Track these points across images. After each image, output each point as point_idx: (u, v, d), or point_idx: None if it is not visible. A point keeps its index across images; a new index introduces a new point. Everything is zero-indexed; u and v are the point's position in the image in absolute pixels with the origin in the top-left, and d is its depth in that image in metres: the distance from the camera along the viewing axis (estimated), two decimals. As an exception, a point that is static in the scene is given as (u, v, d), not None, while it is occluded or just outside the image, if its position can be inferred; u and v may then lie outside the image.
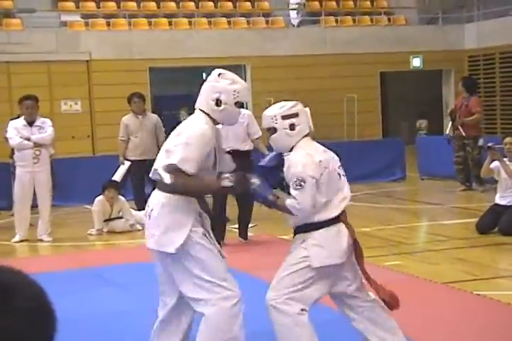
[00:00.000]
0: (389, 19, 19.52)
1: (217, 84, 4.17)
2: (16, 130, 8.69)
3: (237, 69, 18.42)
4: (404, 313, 5.38)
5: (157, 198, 4.06)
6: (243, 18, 18.44)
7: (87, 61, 16.53)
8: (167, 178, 3.93)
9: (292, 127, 4.10)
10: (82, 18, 17.55)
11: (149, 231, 4.07)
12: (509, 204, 8.24)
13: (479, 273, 6.57)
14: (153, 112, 11.21)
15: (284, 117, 4.11)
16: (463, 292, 5.86)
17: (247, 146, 8.24)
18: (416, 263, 7.05)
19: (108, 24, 17.35)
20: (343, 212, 4.11)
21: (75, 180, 11.37)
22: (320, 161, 4.03)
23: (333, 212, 4.04)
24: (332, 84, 17.97)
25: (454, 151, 11.90)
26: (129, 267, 7.00)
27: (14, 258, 8.24)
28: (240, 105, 4.24)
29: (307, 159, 4.01)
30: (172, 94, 18.72)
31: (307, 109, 4.30)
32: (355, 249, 4.13)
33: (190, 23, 17.87)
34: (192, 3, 18.62)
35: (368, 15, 19.50)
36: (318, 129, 21.05)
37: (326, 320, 4.75)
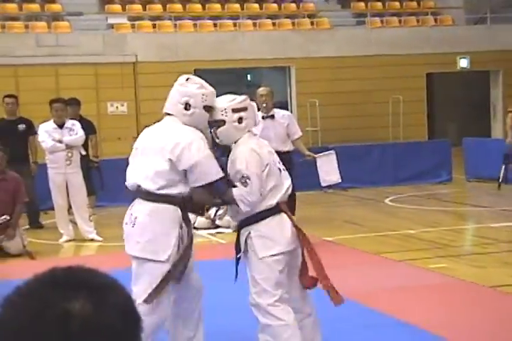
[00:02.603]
0: (435, 19, 19.31)
1: (186, 89, 4.21)
2: (47, 133, 8.83)
3: (282, 70, 18.42)
4: (450, 316, 5.32)
5: (143, 206, 4.13)
6: (288, 20, 18.42)
7: (134, 63, 16.69)
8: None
9: (240, 121, 4.14)
10: (128, 20, 17.72)
11: (132, 237, 4.16)
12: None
13: (527, 277, 6.46)
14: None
15: (235, 110, 4.15)
16: (510, 296, 5.77)
17: (287, 147, 8.24)
18: (462, 266, 6.97)
19: (154, 26, 17.50)
20: (284, 203, 4.19)
21: (121, 180, 11.43)
22: (262, 157, 4.10)
23: (270, 203, 4.10)
24: (377, 86, 17.84)
25: None
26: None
27: (62, 257, 8.36)
28: (209, 109, 4.22)
29: (250, 155, 4.06)
30: (217, 96, 18.76)
31: (254, 103, 4.31)
32: (301, 238, 4.15)
33: (235, 24, 17.92)
34: (237, 5, 18.67)
35: (414, 16, 19.32)
36: (363, 130, 20.82)
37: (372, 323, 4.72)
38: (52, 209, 9.34)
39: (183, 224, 4.13)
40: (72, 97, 10.49)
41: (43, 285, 1.15)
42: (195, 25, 17.72)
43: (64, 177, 8.89)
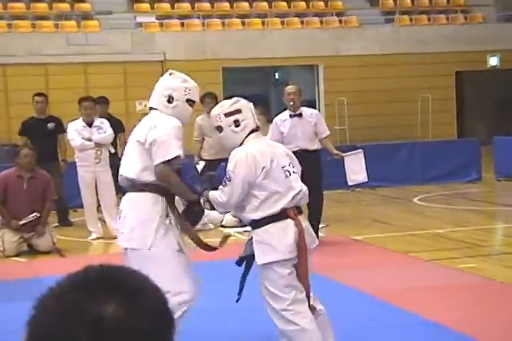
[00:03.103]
0: (465, 17, 19.15)
1: (169, 82, 4.35)
2: (76, 131, 8.89)
3: (310, 69, 18.39)
4: (479, 316, 5.28)
5: (125, 200, 4.26)
6: (316, 18, 18.39)
7: (162, 61, 16.76)
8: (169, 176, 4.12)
9: (237, 123, 4.16)
10: (156, 19, 17.80)
11: (119, 230, 4.28)
12: None
13: (558, 277, 6.38)
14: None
15: (227, 115, 4.17)
16: (541, 296, 5.71)
17: (315, 145, 8.21)
18: (492, 265, 6.90)
19: (182, 25, 17.56)
20: (296, 209, 4.09)
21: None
22: (257, 160, 4.04)
23: (272, 209, 4.03)
24: (406, 84, 17.75)
25: None
26: (199, 265, 7.05)
27: (90, 255, 8.42)
28: (192, 103, 4.34)
29: (242, 158, 4.05)
30: (245, 94, 18.79)
31: (251, 104, 4.29)
32: (300, 248, 4.02)
33: (263, 23, 17.92)
34: (265, 3, 18.67)
35: (443, 14, 19.19)
36: (392, 129, 20.63)
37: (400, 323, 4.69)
38: (81, 207, 9.40)
39: (169, 213, 4.17)
40: (100, 96, 10.56)
41: (75, 288, 1.15)
42: (223, 23, 17.74)
43: (93, 175, 8.94)
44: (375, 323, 5.13)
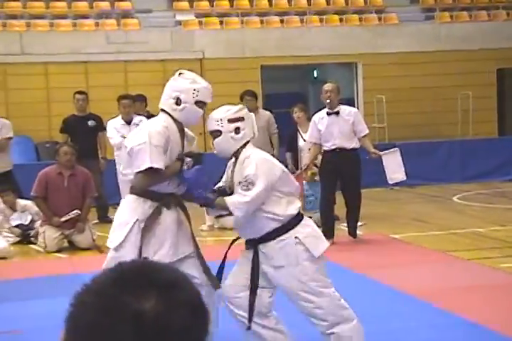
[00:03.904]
0: (507, 14, 18.89)
1: (177, 84, 4.27)
2: (115, 129, 8.96)
3: (349, 66, 18.30)
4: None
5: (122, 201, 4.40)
6: (355, 15, 18.29)
7: (201, 59, 16.82)
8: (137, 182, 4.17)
9: (237, 131, 4.10)
10: (196, 17, 17.87)
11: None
12: None
13: None
14: (265, 109, 11.19)
15: (230, 121, 4.10)
16: None
17: (352, 144, 8.16)
18: (533, 266, 6.81)
19: (221, 23, 17.60)
20: None
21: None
22: (276, 164, 4.08)
23: (294, 211, 4.07)
24: (446, 82, 17.56)
25: None
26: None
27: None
28: (202, 105, 4.26)
29: (262, 162, 4.01)
30: (283, 92, 18.82)
31: (252, 114, 4.24)
32: None
33: (302, 20, 17.88)
34: (304, 1, 18.63)
35: (485, 10, 18.95)
36: (431, 127, 20.48)
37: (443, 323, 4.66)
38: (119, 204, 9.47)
39: (152, 215, 4.19)
40: (138, 93, 10.64)
41: (112, 284, 1.16)
42: (262, 21, 17.75)
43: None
44: (413, 323, 5.10)
